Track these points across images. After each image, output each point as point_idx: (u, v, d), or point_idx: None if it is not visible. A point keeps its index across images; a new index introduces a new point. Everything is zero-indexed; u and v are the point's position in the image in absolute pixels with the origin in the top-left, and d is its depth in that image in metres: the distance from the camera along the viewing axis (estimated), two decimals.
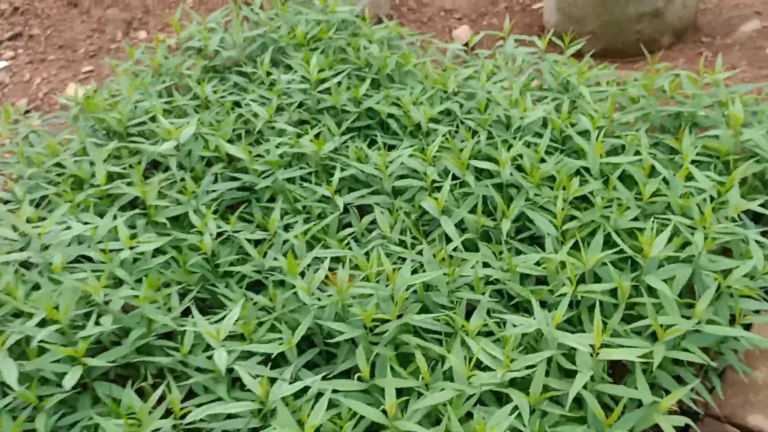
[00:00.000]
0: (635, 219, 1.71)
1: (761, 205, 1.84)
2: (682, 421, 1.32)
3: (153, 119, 2.21)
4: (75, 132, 2.22)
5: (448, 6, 3.66)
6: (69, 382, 1.44)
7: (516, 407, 1.30)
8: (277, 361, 1.57)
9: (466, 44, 3.26)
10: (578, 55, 2.91)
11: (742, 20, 3.27)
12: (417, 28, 3.49)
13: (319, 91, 2.25)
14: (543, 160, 1.91)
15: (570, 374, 1.41)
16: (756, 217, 1.89)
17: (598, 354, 1.34)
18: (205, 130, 2.12)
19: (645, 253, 1.52)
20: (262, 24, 2.59)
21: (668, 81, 2.13)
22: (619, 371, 1.63)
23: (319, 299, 1.55)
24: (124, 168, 2.07)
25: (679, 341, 1.45)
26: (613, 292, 1.57)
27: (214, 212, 1.97)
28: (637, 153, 1.91)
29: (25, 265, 1.82)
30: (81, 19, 3.61)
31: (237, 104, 2.35)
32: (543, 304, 1.57)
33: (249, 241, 1.84)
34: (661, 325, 1.41)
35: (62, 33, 3.54)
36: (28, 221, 1.84)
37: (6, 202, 2.06)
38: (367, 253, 1.72)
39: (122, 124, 2.18)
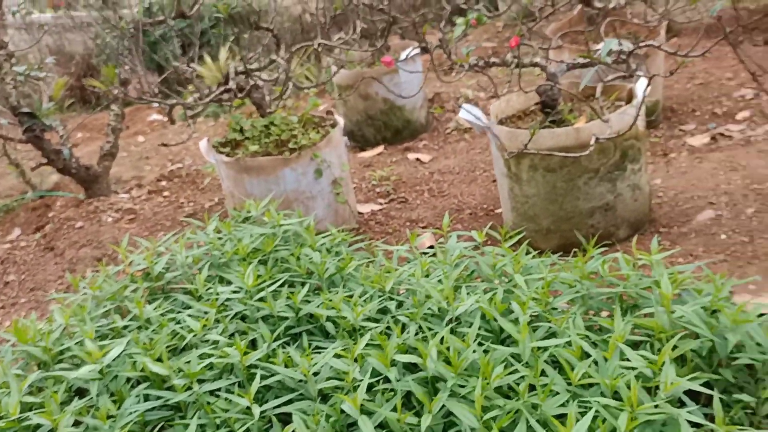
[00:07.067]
0: (565, 404, 1.58)
1: (703, 385, 1.67)
2: None
3: (82, 345, 2.16)
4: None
5: (414, 216, 3.75)
6: None
7: None
8: None
9: (431, 246, 3.28)
10: (540, 254, 2.89)
11: (697, 210, 3.32)
12: (383, 240, 3.54)
13: (257, 300, 2.22)
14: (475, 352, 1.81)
15: None
16: (709, 399, 1.73)
17: None
18: (135, 350, 2.06)
19: None
20: (208, 243, 2.63)
21: (599, 263, 2.09)
22: None
23: None
24: (44, 398, 1.98)
25: None
26: None
27: None
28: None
29: None
30: (54, 261, 3.70)
31: (177, 322, 2.31)
32: None
33: None
34: None
35: (35, 276, 3.62)
36: None
37: None
38: None
39: (47, 352, 2.13)
